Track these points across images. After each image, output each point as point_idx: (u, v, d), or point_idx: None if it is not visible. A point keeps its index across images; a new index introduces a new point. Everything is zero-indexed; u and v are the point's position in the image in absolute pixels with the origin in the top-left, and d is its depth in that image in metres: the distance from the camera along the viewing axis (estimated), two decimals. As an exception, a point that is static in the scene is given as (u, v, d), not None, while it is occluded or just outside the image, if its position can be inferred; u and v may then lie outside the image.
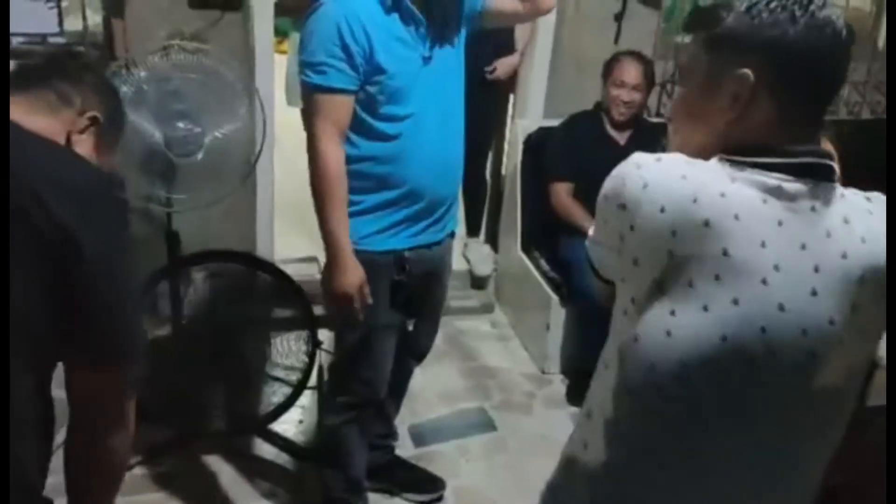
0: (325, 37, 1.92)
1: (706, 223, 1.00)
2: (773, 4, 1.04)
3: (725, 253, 1.00)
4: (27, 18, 2.83)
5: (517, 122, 3.74)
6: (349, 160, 2.03)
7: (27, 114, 1.21)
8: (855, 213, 1.07)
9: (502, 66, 3.64)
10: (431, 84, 2.03)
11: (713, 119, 1.08)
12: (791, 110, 1.06)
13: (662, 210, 1.01)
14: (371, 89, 1.98)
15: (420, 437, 2.93)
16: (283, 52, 4.12)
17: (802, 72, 1.04)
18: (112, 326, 1.19)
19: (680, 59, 1.17)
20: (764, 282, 1.01)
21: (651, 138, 2.91)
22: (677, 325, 1.02)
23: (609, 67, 3.25)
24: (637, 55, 3.22)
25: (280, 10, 3.38)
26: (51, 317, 1.13)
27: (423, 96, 2.02)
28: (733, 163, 1.05)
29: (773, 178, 1.03)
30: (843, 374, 1.09)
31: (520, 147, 3.63)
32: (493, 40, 3.37)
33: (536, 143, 3.58)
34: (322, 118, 1.98)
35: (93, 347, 1.19)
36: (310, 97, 2.00)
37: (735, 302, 1.01)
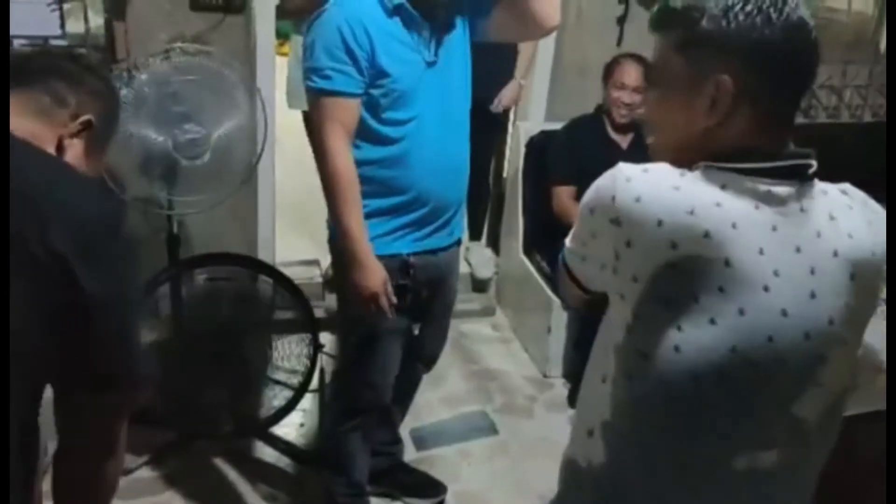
0: (329, 42, 1.92)
1: (706, 234, 0.99)
2: (748, 7, 1.02)
3: (727, 263, 1.00)
4: (28, 21, 2.83)
5: (519, 125, 3.74)
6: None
7: (17, 115, 1.16)
8: (838, 209, 1.07)
9: (506, 97, 3.65)
10: (436, 88, 2.03)
11: (691, 123, 1.07)
12: (771, 113, 1.05)
13: (660, 224, 1.00)
14: (374, 93, 1.98)
15: (421, 440, 2.93)
16: (285, 55, 4.11)
17: (782, 75, 1.04)
18: (110, 355, 1.16)
19: (652, 61, 1.16)
20: (766, 289, 1.01)
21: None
22: (685, 340, 1.01)
23: (610, 70, 3.25)
24: (638, 57, 3.21)
25: (281, 13, 3.39)
26: (43, 335, 1.09)
27: (426, 100, 2.02)
28: (719, 169, 1.03)
29: (762, 184, 1.03)
30: (846, 372, 1.10)
31: (521, 150, 3.63)
32: (492, 66, 3.34)
33: (538, 147, 3.58)
34: (330, 121, 1.98)
35: (89, 373, 1.16)
36: (316, 102, 2.00)
37: (741, 312, 1.00)
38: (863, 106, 4.03)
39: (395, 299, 2.07)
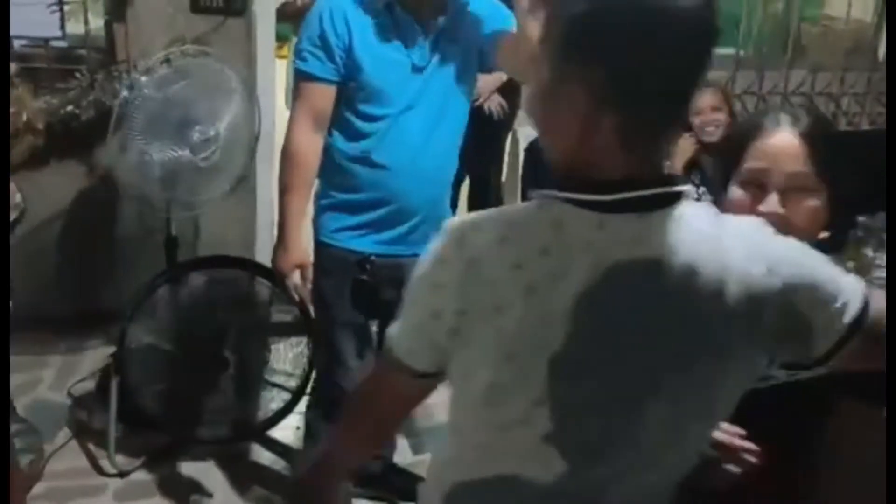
0: (311, 28, 2.01)
1: (529, 289, 0.91)
2: None
3: (551, 315, 0.91)
4: (29, 22, 2.84)
5: (518, 130, 3.74)
6: (325, 150, 2.09)
7: None
8: (690, 238, 0.92)
9: (483, 87, 3.40)
10: (422, 93, 2.03)
11: (559, 129, 0.93)
12: (635, 123, 0.89)
13: (490, 284, 0.92)
14: (351, 85, 2.02)
15: (418, 444, 2.92)
16: (284, 57, 4.12)
17: (641, 75, 0.86)
18: None
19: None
20: (590, 332, 0.92)
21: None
22: (494, 383, 0.96)
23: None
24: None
25: (281, 16, 3.40)
26: None
27: (407, 102, 2.02)
28: (556, 199, 0.92)
29: (602, 216, 0.90)
30: (692, 407, 0.99)
31: (521, 155, 3.63)
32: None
33: (538, 152, 3.56)
34: (300, 103, 2.06)
35: None
36: (295, 83, 2.10)
37: (553, 361, 0.93)
38: (860, 114, 4.04)
39: (308, 285, 2.17)
